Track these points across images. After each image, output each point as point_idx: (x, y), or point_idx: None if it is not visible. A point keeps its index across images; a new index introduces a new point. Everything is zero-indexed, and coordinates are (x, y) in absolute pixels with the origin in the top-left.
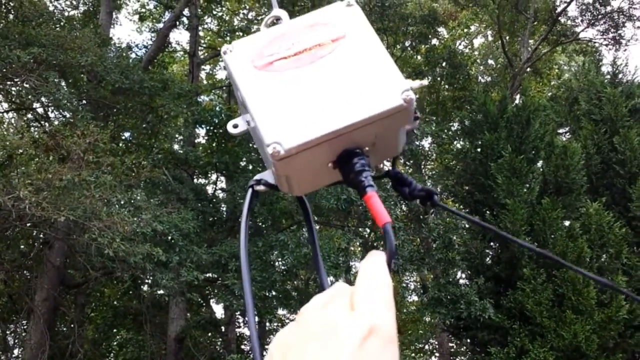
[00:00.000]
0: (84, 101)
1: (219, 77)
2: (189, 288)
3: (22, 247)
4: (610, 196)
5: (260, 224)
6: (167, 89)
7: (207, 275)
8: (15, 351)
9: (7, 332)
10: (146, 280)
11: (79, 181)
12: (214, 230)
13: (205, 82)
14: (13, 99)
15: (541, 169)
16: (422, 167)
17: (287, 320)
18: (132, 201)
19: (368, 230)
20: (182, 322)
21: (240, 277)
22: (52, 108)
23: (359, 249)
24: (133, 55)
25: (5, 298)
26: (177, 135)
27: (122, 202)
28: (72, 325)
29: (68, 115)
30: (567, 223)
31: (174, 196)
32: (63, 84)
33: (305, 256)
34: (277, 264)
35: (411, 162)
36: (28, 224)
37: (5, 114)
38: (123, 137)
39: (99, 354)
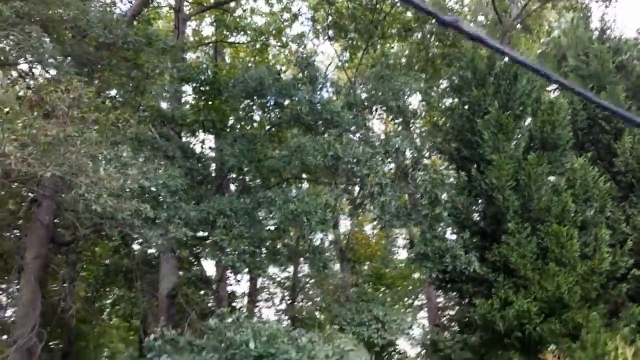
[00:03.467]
0: (69, 58)
1: (205, 33)
2: (179, 245)
3: (10, 206)
4: (595, 151)
5: (248, 181)
6: (151, 45)
7: (198, 234)
8: (9, 311)
9: None
10: (135, 238)
11: (64, 137)
12: (202, 187)
13: (191, 38)
14: None
15: (528, 125)
16: (411, 125)
17: (277, 278)
18: (119, 157)
19: (357, 189)
20: (174, 279)
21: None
22: (36, 64)
23: (348, 206)
24: (117, 11)
25: None
26: (163, 93)
27: (108, 158)
28: (63, 284)
29: (53, 72)
30: (552, 178)
31: (161, 153)
32: (48, 40)
33: (292, 213)
34: (265, 221)
35: (400, 119)
36: (15, 183)
37: None
38: (109, 95)
39: (91, 311)
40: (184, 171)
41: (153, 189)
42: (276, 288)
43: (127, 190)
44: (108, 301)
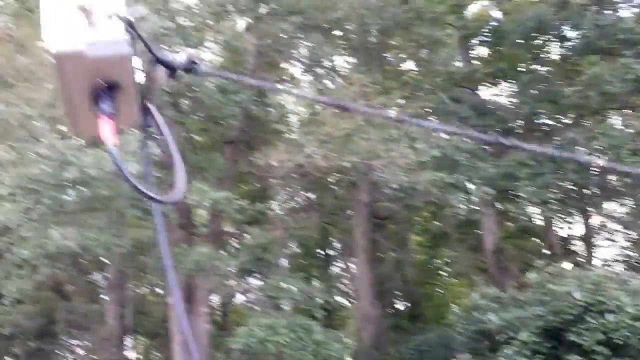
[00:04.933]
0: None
1: None
2: (498, 200)
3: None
4: None
5: (546, 124)
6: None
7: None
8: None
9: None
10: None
11: (355, 128)
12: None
13: None
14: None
15: None
16: None
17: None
18: (408, 134)
19: None
20: (496, 234)
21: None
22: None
23: None
24: None
25: (331, 238)
26: (451, 55)
27: (396, 138)
28: (392, 253)
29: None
30: None
31: (454, 116)
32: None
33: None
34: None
35: None
36: (331, 174)
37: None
38: (404, 69)
39: (424, 275)
40: (478, 130)
41: (445, 153)
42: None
43: (425, 160)
44: (438, 262)
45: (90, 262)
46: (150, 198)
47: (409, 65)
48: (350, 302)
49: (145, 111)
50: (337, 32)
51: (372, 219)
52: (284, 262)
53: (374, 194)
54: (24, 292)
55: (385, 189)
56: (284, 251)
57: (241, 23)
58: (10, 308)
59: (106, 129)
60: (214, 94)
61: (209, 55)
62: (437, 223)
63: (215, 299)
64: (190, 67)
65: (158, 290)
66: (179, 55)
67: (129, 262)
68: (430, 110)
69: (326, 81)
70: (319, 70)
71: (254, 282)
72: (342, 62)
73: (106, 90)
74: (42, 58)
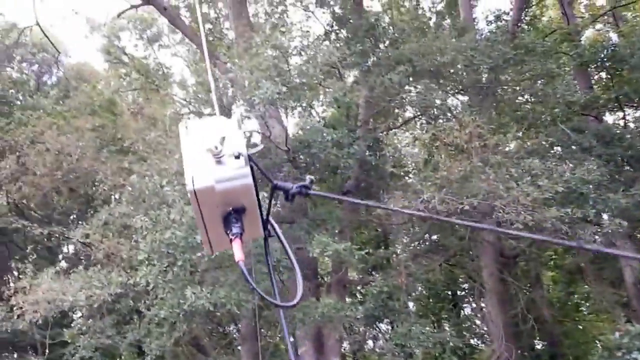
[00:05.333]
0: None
1: (599, 2)
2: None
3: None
4: None
5: None
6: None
7: None
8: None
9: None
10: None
11: (471, 169)
12: (629, 170)
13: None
14: None
15: None
16: None
17: None
18: (530, 170)
19: None
20: (638, 266)
21: None
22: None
23: None
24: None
25: (458, 280)
26: (567, 84)
27: (516, 176)
28: (524, 292)
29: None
30: None
31: (577, 147)
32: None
33: None
34: None
35: None
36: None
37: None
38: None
39: (561, 313)
40: (604, 159)
41: (573, 187)
42: None
43: (550, 196)
44: (576, 297)
45: (224, 315)
46: (276, 305)
47: (524, 99)
48: (484, 343)
49: (268, 224)
50: (446, 75)
51: (499, 259)
52: (412, 306)
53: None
54: (164, 348)
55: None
56: (411, 295)
57: (350, 78)
58: None
59: (236, 248)
60: (329, 148)
61: (320, 109)
62: (571, 258)
63: (347, 347)
64: (302, 191)
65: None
66: (295, 182)
67: (260, 315)
68: (550, 144)
69: (440, 121)
70: (433, 111)
71: (385, 327)
72: (455, 101)
73: (234, 214)
74: (170, 131)
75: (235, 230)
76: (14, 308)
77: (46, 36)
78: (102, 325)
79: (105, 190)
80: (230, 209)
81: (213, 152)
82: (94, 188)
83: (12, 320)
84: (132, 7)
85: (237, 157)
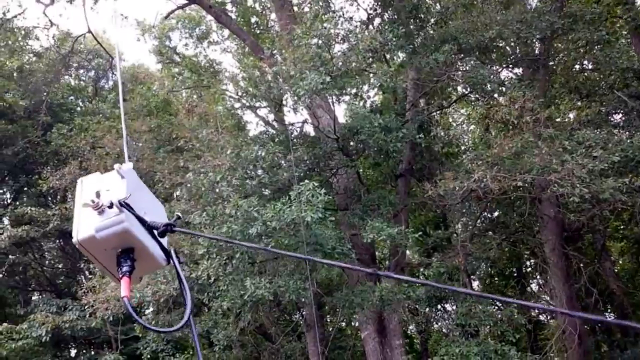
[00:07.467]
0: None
1: None
2: None
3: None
4: None
5: None
6: None
7: None
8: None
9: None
10: None
11: (523, 144)
12: None
13: None
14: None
15: None
16: None
17: None
18: (583, 142)
19: None
20: None
21: None
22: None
23: None
24: None
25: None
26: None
27: (569, 148)
28: (587, 265)
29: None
30: None
31: (635, 114)
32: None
33: None
34: None
35: None
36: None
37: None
38: (573, 72)
39: (631, 284)
40: None
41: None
42: None
43: (606, 166)
44: None
45: (287, 303)
46: (156, 331)
47: (578, 68)
48: (553, 318)
49: (167, 253)
50: (495, 50)
51: (562, 233)
52: (476, 285)
53: (560, 207)
54: (231, 338)
55: (568, 202)
56: (474, 274)
57: (397, 60)
58: (220, 353)
59: (123, 286)
60: (377, 133)
61: (369, 95)
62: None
63: (413, 328)
64: (168, 229)
65: (354, 323)
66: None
67: (321, 301)
68: (606, 113)
69: (495, 96)
70: (484, 87)
71: (450, 307)
72: (509, 74)
73: (123, 254)
74: (221, 127)
75: (124, 269)
76: (86, 307)
77: (99, 42)
78: (169, 318)
79: (165, 189)
80: (119, 250)
81: (90, 205)
82: (154, 188)
83: (85, 318)
84: (179, 7)
85: (110, 206)
